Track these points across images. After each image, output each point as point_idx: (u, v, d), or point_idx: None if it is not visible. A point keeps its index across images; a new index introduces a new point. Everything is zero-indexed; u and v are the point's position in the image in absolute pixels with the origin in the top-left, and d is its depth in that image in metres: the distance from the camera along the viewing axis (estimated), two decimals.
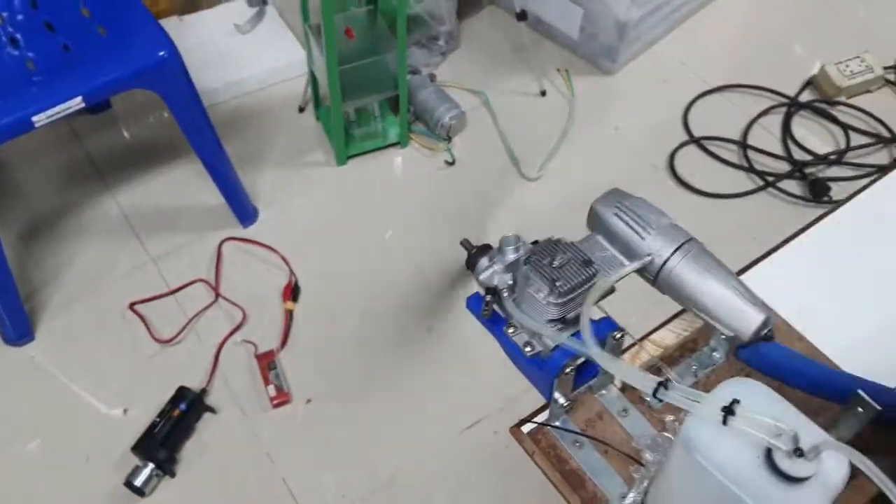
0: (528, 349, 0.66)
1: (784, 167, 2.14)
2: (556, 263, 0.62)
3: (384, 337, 1.83)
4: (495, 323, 0.68)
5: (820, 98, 2.29)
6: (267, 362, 1.74)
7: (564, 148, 2.15)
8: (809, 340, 0.75)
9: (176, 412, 1.63)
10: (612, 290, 0.65)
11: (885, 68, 2.31)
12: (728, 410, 0.49)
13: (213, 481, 1.60)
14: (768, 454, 0.49)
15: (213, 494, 1.59)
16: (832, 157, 2.15)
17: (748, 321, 0.60)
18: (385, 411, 1.71)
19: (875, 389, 0.62)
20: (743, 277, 0.85)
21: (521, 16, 2.16)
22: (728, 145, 2.20)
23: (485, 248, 0.70)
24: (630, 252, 0.65)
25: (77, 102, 1.52)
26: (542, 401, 0.75)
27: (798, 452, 0.49)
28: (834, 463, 0.50)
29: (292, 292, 1.86)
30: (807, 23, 2.52)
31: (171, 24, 2.27)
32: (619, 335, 0.64)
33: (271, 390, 1.70)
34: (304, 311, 1.84)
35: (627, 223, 0.65)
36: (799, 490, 0.49)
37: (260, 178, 2.07)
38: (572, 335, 0.62)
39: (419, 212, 2.03)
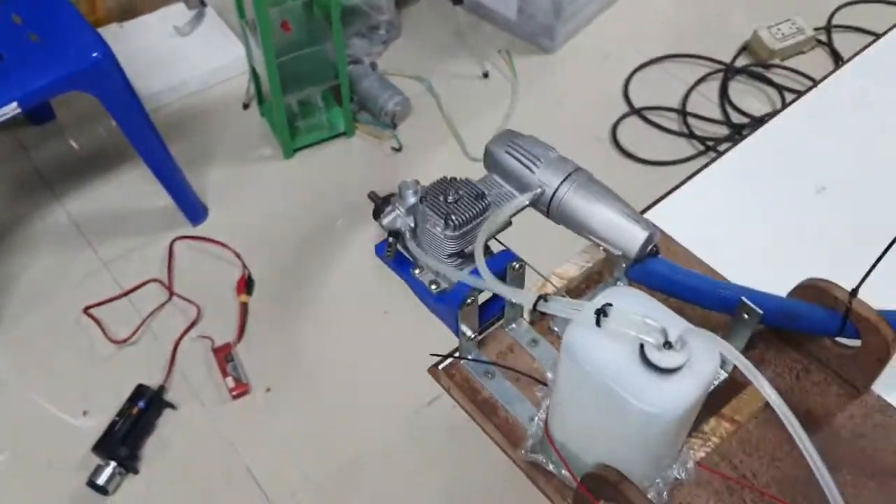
0: (433, 287, 0.68)
1: (723, 131, 2.19)
2: (450, 199, 0.65)
3: (340, 322, 1.85)
4: (402, 266, 0.71)
5: (755, 62, 2.35)
6: (224, 355, 1.76)
7: (510, 126, 2.18)
8: (708, 264, 0.78)
9: (135, 410, 1.64)
10: (508, 224, 0.68)
11: (816, 29, 2.37)
12: (601, 312, 0.52)
13: (176, 474, 1.61)
14: (641, 351, 0.52)
15: (177, 487, 1.60)
16: (769, 118, 2.20)
17: (633, 238, 0.63)
18: (345, 394, 1.73)
19: (758, 296, 0.65)
20: (648, 213, 0.88)
21: (458, 0, 2.19)
22: (668, 114, 2.25)
23: (389, 198, 0.72)
24: (523, 186, 0.67)
25: (13, 108, 1.53)
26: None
27: (667, 345, 0.52)
28: (704, 354, 0.53)
29: (246, 285, 1.87)
30: None
31: (110, 32, 2.27)
32: (517, 265, 0.67)
33: (230, 382, 1.72)
34: (259, 304, 1.86)
35: (518, 159, 0.68)
36: (671, 380, 0.52)
37: (208, 177, 2.08)
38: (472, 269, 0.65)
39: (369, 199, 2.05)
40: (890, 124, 0.96)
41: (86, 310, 1.82)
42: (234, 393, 1.71)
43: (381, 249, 0.71)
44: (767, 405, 0.70)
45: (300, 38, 1.95)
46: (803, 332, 0.70)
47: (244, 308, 1.84)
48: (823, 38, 2.39)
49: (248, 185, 2.08)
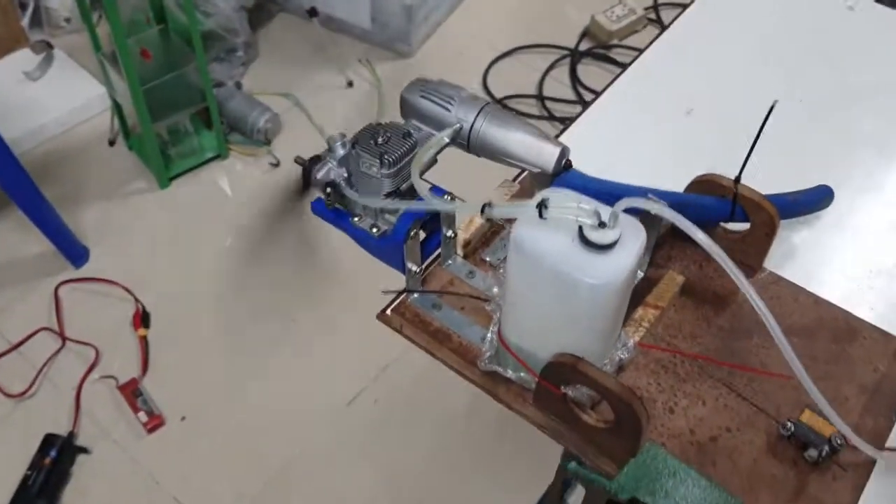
0: (374, 230, 0.73)
1: (578, 109, 2.35)
2: (380, 141, 0.70)
3: (246, 337, 1.84)
4: (341, 218, 0.75)
5: (596, 45, 2.52)
6: (131, 391, 1.71)
7: None
8: None
9: (47, 461, 1.58)
10: (434, 162, 0.73)
11: (646, 9, 2.58)
12: (542, 205, 0.59)
13: None
14: (581, 234, 0.59)
15: None
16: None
17: (549, 154, 0.71)
18: (262, 408, 1.73)
19: (660, 193, 0.74)
20: None
21: (312, 12, 2.24)
22: (528, 100, 2.38)
23: (316, 158, 0.76)
24: (441, 125, 0.73)
25: None
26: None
27: (601, 225, 0.59)
28: (633, 231, 0.61)
29: (142, 319, 1.83)
30: None
31: None
32: (448, 198, 0.73)
33: (142, 416, 1.68)
34: (158, 335, 1.83)
35: (434, 101, 0.74)
36: (609, 255, 0.59)
37: (84, 218, 2.02)
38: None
39: (255, 214, 2.05)
40: (735, 50, 1.10)
41: None
42: (149, 427, 1.67)
43: (318, 205, 0.74)
44: (681, 291, 0.79)
45: (161, 64, 1.94)
46: (702, 220, 0.79)
47: (143, 341, 1.80)
48: (653, 16, 2.60)
49: (127, 220, 2.04)
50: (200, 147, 2.13)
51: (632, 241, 0.61)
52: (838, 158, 0.96)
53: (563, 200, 0.59)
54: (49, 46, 2.26)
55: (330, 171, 0.73)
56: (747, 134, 0.96)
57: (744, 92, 1.03)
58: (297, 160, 0.79)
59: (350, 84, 2.35)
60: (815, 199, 0.84)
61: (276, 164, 2.15)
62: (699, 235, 0.58)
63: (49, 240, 1.86)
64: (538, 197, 0.61)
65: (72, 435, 1.64)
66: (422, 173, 0.73)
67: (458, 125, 0.73)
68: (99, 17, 2.10)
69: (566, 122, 2.28)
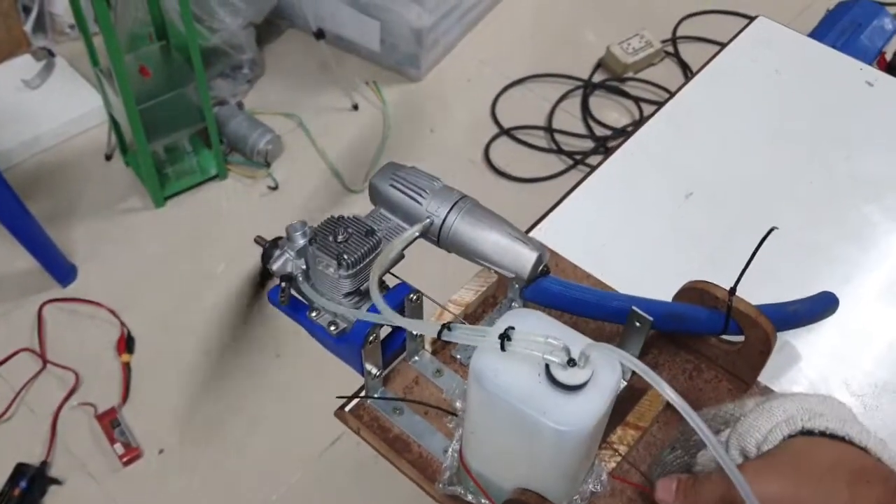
0: (332, 328, 0.67)
1: (588, 144, 2.28)
2: (340, 238, 0.64)
3: (231, 372, 1.78)
4: (298, 310, 0.69)
5: (611, 77, 2.46)
6: (109, 421, 1.67)
7: (385, 156, 2.19)
8: (595, 276, 0.81)
9: (16, 491, 1.54)
10: (401, 257, 0.67)
11: (663, 41, 2.51)
12: (504, 337, 0.53)
13: None
14: (547, 370, 0.53)
15: None
16: (629, 128, 2.31)
17: (524, 260, 0.64)
18: (244, 445, 1.68)
19: (646, 304, 0.67)
20: (532, 232, 0.90)
21: (319, 34, 2.18)
22: (536, 132, 2.32)
23: (277, 241, 0.71)
24: (411, 218, 0.67)
25: None
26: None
27: (571, 363, 0.53)
28: (606, 367, 0.54)
29: (126, 344, 1.79)
30: (587, 10, 2.68)
31: None
32: (415, 297, 0.67)
33: (118, 448, 1.63)
34: (142, 362, 1.78)
35: (404, 191, 0.68)
36: (578, 396, 0.53)
37: (74, 234, 1.97)
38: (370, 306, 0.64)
39: (249, 240, 1.99)
40: (741, 128, 1.02)
41: None
42: (125, 459, 1.62)
43: (273, 295, 0.69)
44: (667, 407, 0.73)
45: (160, 82, 1.89)
46: (692, 333, 0.73)
47: (126, 368, 1.75)
48: (671, 49, 2.53)
49: (119, 238, 1.99)
50: (199, 166, 2.08)
51: (605, 378, 0.54)
52: (848, 258, 0.89)
53: (529, 331, 0.53)
54: (50, 54, 2.22)
55: (287, 262, 0.67)
56: (751, 220, 0.89)
57: (748, 176, 0.96)
58: (258, 240, 0.73)
59: (355, 107, 2.30)
60: (818, 310, 0.77)
61: (275, 188, 2.10)
62: (671, 395, 0.52)
63: (33, 257, 1.81)
64: (503, 321, 0.55)
65: (45, 464, 1.60)
66: (387, 270, 0.67)
67: (428, 220, 0.67)
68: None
69: (574, 157, 2.23)
